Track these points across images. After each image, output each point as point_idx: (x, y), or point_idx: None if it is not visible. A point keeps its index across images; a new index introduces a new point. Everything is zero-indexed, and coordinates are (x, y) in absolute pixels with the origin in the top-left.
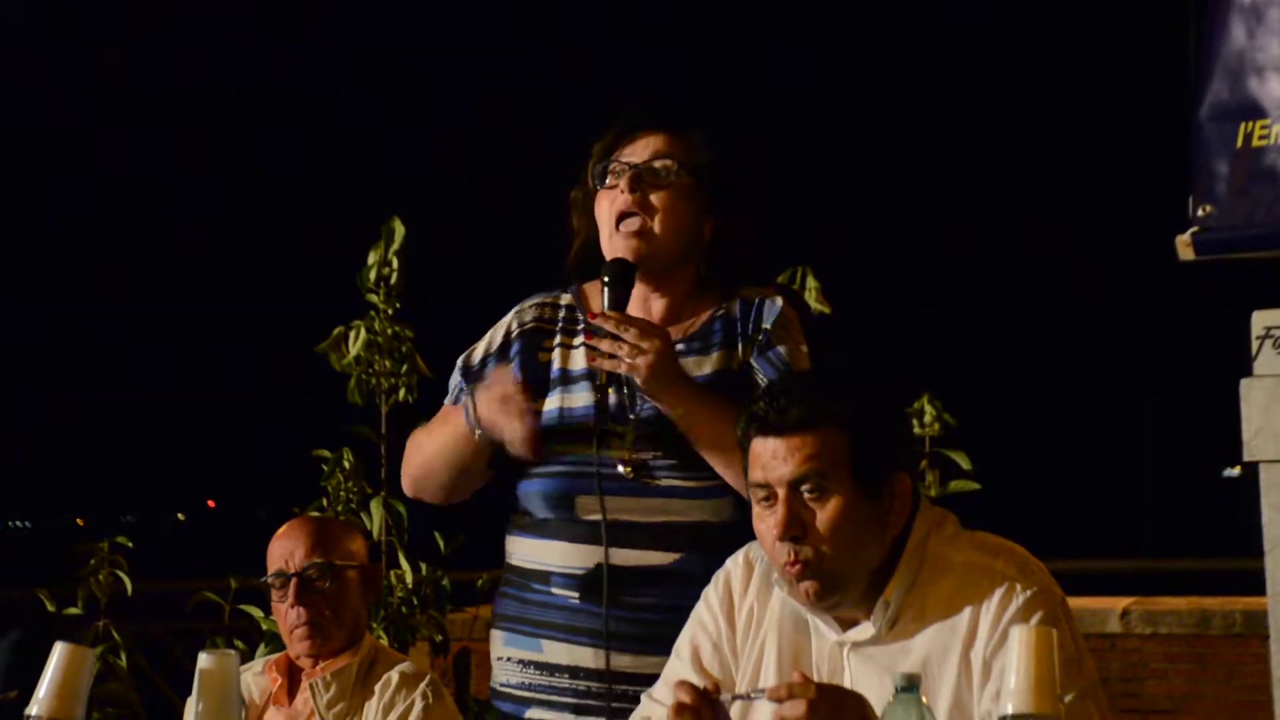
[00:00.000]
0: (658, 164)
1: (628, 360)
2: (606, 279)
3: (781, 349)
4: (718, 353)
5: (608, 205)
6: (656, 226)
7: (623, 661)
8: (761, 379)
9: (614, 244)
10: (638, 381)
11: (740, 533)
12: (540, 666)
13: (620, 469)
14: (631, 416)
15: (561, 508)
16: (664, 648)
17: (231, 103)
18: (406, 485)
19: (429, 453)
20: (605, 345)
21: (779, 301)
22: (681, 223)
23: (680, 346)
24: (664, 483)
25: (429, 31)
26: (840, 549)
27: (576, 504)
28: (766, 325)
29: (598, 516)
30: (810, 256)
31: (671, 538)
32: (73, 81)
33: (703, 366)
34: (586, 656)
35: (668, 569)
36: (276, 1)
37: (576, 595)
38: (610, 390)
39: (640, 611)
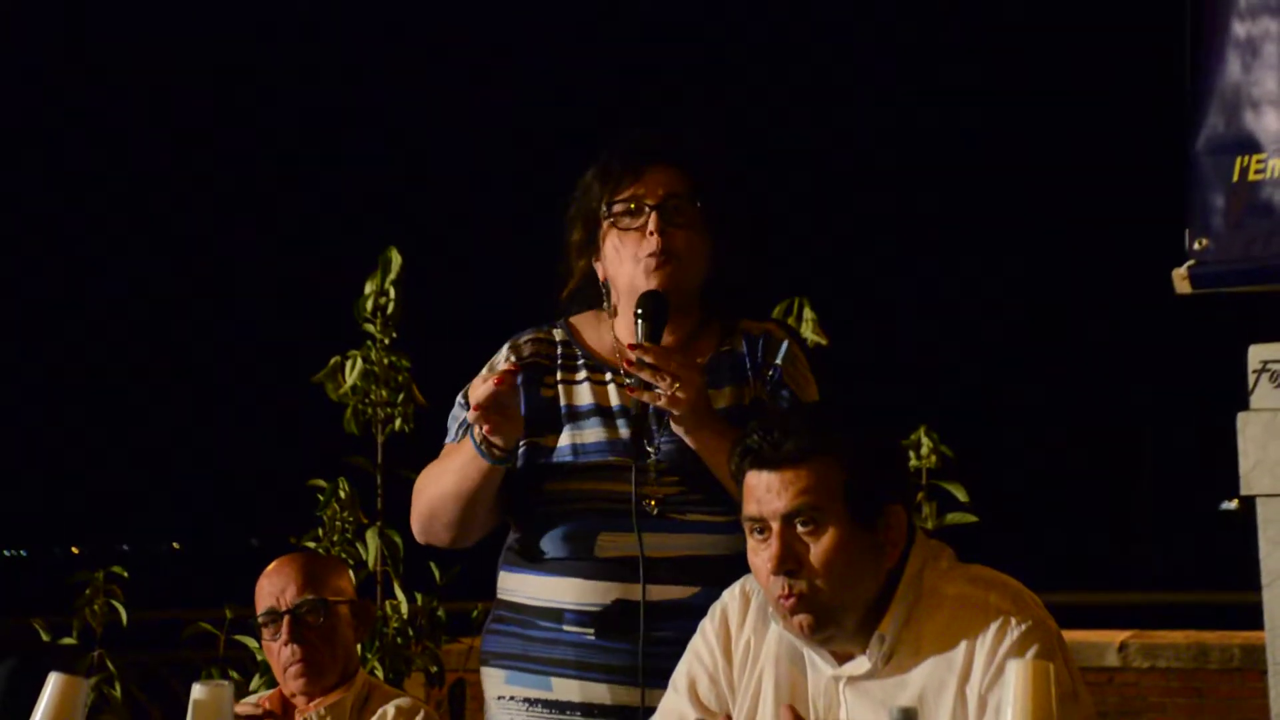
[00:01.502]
0: (674, 203)
1: (669, 393)
2: (640, 311)
3: (794, 388)
4: (728, 388)
5: (632, 244)
6: (684, 263)
7: (634, 696)
8: None
9: (643, 279)
10: (674, 414)
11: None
12: (550, 704)
13: (645, 504)
14: (651, 450)
15: (579, 545)
16: None
17: (231, 126)
18: (416, 530)
19: (436, 489)
20: (646, 376)
21: (784, 338)
22: (701, 258)
23: None
24: (691, 517)
25: (429, 63)
26: (835, 582)
27: (597, 541)
28: (777, 361)
29: (617, 553)
30: (807, 286)
31: (692, 572)
32: (69, 102)
33: (715, 402)
34: (601, 693)
35: (686, 603)
36: (275, 30)
37: (592, 631)
38: (620, 425)
39: (660, 645)
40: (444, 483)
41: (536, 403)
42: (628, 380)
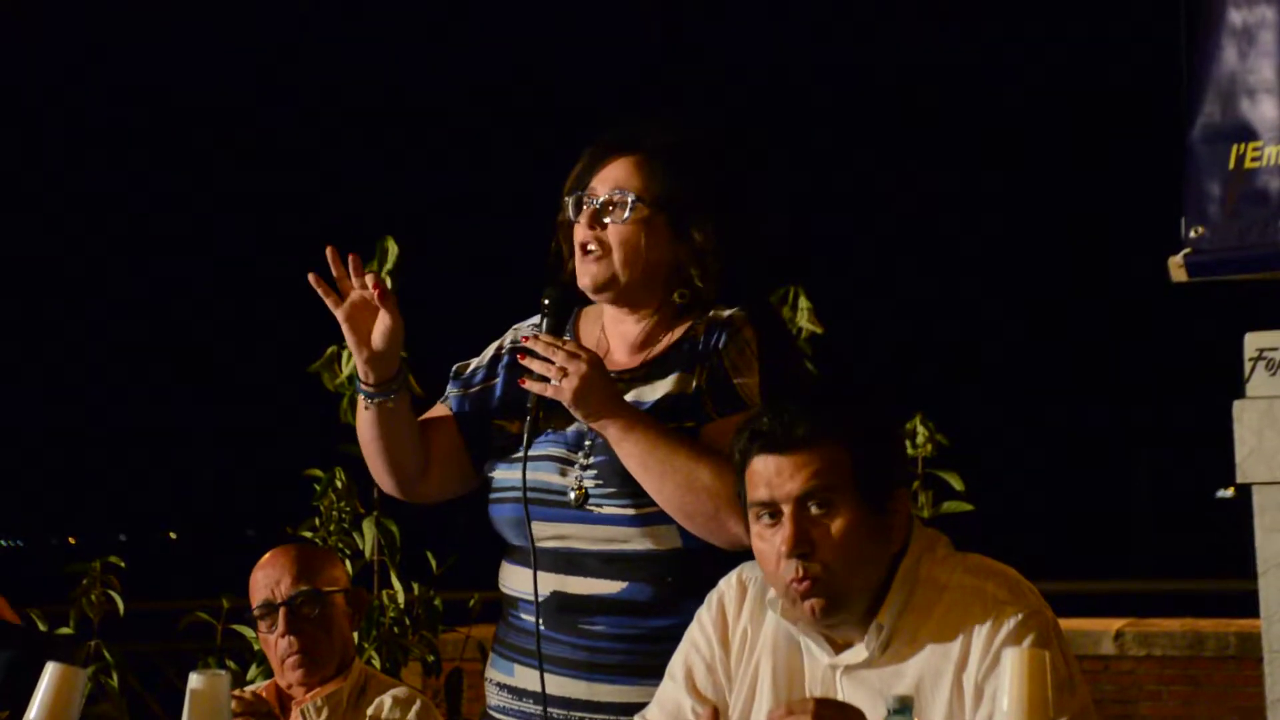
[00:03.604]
0: (616, 197)
1: (553, 383)
2: (546, 302)
3: (737, 381)
4: (675, 375)
5: (575, 236)
6: (615, 258)
7: (578, 689)
8: (711, 409)
9: (577, 272)
10: (564, 403)
11: (686, 560)
12: (512, 691)
13: (571, 495)
14: (588, 443)
15: (521, 534)
16: (618, 676)
17: (229, 117)
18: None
19: (363, 443)
20: (536, 367)
21: (738, 325)
22: (638, 253)
23: (642, 370)
24: (606, 510)
25: (428, 52)
26: (847, 565)
27: (534, 531)
28: (720, 348)
29: (551, 543)
30: (804, 273)
31: (617, 566)
32: (64, 86)
33: (657, 390)
34: (549, 683)
35: (615, 598)
36: (272, 17)
37: (540, 621)
38: (542, 414)
39: (593, 640)
40: (359, 429)
41: (514, 386)
42: (520, 368)
